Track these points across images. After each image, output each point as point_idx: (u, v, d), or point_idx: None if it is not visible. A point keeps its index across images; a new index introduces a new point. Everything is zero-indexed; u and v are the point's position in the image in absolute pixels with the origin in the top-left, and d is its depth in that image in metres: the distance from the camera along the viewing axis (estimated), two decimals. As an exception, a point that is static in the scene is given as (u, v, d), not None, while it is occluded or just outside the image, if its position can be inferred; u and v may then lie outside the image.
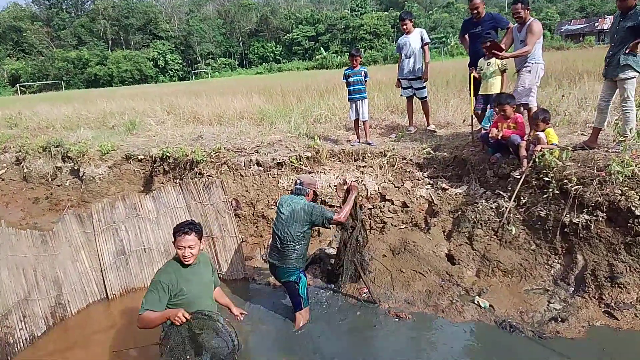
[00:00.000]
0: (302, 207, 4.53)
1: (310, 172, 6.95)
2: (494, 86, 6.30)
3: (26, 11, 68.38)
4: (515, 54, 5.98)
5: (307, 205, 4.57)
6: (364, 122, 7.21)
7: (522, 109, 6.04)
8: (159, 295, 3.26)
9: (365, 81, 7.08)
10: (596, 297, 4.50)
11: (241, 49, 72.79)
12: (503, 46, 6.09)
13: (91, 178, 8.88)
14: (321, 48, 63.42)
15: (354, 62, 7.03)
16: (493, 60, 6.25)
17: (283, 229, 4.52)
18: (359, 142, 7.36)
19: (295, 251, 4.52)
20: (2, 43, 63.95)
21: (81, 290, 5.55)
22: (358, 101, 7.07)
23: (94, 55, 61.76)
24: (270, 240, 4.90)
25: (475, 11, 6.68)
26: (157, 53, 65.06)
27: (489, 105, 6.39)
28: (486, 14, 6.73)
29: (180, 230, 3.36)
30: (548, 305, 4.57)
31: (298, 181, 4.80)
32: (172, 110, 13.28)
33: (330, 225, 4.78)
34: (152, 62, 64.28)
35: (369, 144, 7.20)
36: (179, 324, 3.13)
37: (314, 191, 4.88)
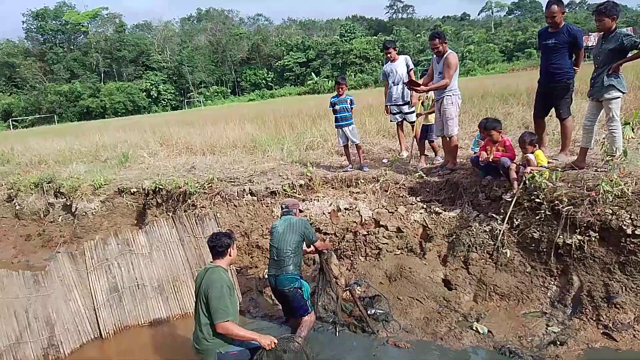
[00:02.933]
0: (297, 220, 5.00)
1: (303, 200, 6.95)
2: (431, 116, 7.08)
3: (19, 47, 68.78)
4: (434, 87, 6.29)
5: (302, 220, 5.08)
6: (356, 145, 7.26)
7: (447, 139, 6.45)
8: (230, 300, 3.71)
9: (352, 108, 7.18)
10: (594, 319, 4.48)
11: (233, 76, 73.48)
12: (421, 81, 6.47)
13: (84, 213, 8.81)
14: (312, 73, 64.21)
15: (340, 89, 7.15)
16: (430, 93, 6.90)
17: (280, 239, 4.83)
18: (352, 167, 7.39)
19: (292, 259, 4.75)
20: (-5, 80, 64.22)
21: (74, 330, 5.43)
22: (345, 127, 7.15)
23: (86, 87, 61.96)
24: (268, 262, 5.11)
25: (551, 20, 5.50)
26: (149, 84, 65.36)
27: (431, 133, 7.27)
28: (565, 26, 5.50)
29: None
30: (546, 329, 4.54)
31: (283, 205, 5.26)
32: (165, 141, 13.31)
33: (312, 246, 5.15)
34: (145, 93, 64.47)
35: (362, 168, 7.22)
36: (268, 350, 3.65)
37: (298, 209, 5.29)
